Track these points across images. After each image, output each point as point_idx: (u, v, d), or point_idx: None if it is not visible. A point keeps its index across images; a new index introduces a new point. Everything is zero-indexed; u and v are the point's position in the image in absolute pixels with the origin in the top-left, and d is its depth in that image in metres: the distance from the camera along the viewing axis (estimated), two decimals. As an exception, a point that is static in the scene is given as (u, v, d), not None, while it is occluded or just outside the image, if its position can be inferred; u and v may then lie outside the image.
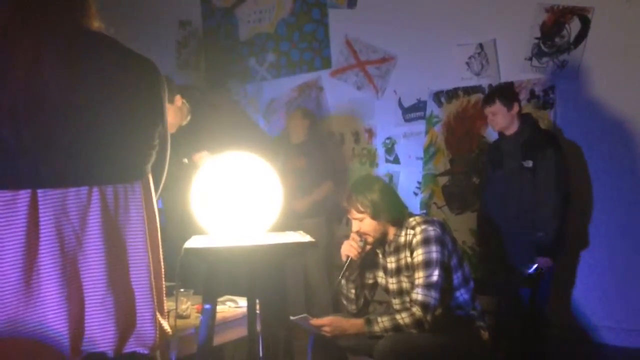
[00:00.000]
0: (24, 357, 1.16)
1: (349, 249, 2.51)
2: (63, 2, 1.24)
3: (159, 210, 1.38)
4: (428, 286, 2.35)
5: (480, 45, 3.75)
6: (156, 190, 1.38)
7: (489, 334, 2.50)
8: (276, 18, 4.62)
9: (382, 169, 4.16)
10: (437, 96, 3.94)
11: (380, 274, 2.63)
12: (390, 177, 4.10)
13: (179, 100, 3.00)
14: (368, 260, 2.63)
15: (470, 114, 3.80)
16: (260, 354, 1.82)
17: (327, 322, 2.44)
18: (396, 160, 4.14)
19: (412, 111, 4.06)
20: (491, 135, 3.69)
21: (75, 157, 1.19)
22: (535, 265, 3.10)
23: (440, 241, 2.40)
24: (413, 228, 2.46)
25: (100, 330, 1.19)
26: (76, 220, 1.18)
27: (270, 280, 1.74)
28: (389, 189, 2.66)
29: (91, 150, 1.20)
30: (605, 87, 3.39)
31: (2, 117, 1.15)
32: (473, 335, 2.47)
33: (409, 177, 4.05)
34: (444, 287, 2.39)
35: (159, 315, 1.29)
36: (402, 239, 2.49)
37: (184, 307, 2.45)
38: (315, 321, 2.46)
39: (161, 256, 1.35)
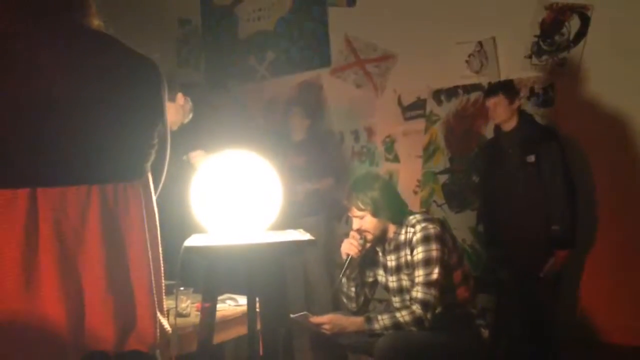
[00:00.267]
0: (24, 355, 1.16)
1: (349, 247, 2.52)
2: (63, 1, 1.24)
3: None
4: (428, 284, 2.36)
5: (480, 43, 3.75)
6: (156, 188, 1.38)
7: (488, 332, 2.51)
8: (276, 16, 4.61)
9: (382, 167, 4.16)
10: (436, 94, 3.94)
11: (381, 272, 2.63)
12: (390, 176, 4.10)
13: (180, 98, 3.00)
14: (368, 258, 2.64)
15: (469, 112, 3.80)
16: (260, 352, 1.82)
17: (327, 320, 2.45)
18: (396, 159, 4.14)
19: (412, 109, 4.06)
20: (491, 133, 3.68)
21: (75, 156, 1.19)
22: (551, 263, 3.10)
23: (440, 239, 2.41)
24: (413, 226, 2.46)
25: (100, 328, 1.19)
26: (76, 219, 1.18)
27: (270, 278, 1.74)
28: (389, 187, 2.66)
29: (91, 149, 1.20)
30: (605, 84, 3.39)
31: (2, 116, 1.15)
32: (473, 334, 2.47)
33: (408, 176, 4.05)
34: (444, 285, 2.40)
35: (159, 314, 1.29)
36: (402, 237, 2.49)
37: (183, 305, 2.45)
38: (315, 319, 2.46)
39: (161, 255, 1.35)
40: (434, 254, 2.38)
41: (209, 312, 1.77)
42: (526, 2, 3.60)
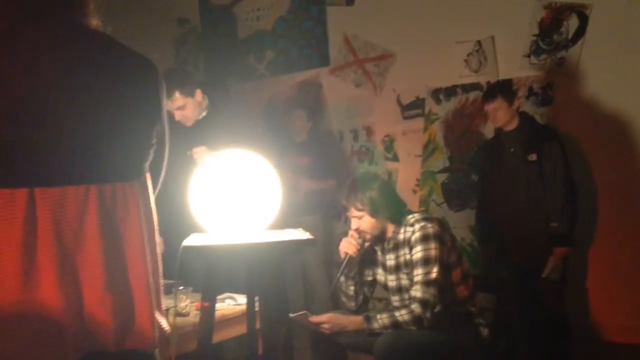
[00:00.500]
0: (24, 354, 1.16)
1: (348, 246, 2.52)
2: (62, 1, 1.24)
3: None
4: (427, 283, 2.36)
5: (479, 43, 3.75)
6: (154, 188, 1.38)
7: (488, 330, 2.51)
8: (274, 16, 4.61)
9: (381, 166, 4.16)
10: (435, 93, 3.94)
11: (380, 271, 2.63)
12: (389, 175, 4.10)
13: (199, 94, 3.02)
14: (367, 258, 2.64)
15: (468, 111, 3.81)
16: (260, 351, 1.82)
17: (326, 320, 2.45)
18: (395, 158, 4.14)
19: (411, 109, 4.06)
20: (490, 132, 3.69)
21: (74, 156, 1.19)
22: (551, 265, 3.10)
23: (439, 238, 2.41)
24: (412, 225, 2.47)
25: (98, 327, 1.19)
26: (74, 219, 1.18)
27: (269, 277, 1.74)
28: (388, 187, 2.66)
29: (89, 149, 1.20)
30: (604, 83, 3.39)
31: (0, 117, 1.15)
32: (472, 332, 2.48)
33: (407, 175, 4.05)
34: (443, 284, 2.40)
35: (157, 313, 1.30)
36: (401, 236, 2.50)
37: (183, 304, 2.46)
38: (315, 318, 2.47)
39: (158, 254, 1.35)
40: (433, 253, 2.38)
41: (208, 311, 1.77)
42: (525, 2, 3.60)
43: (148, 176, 1.35)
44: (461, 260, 2.55)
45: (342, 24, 4.29)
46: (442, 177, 3.91)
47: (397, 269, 2.53)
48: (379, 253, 2.62)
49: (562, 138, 3.21)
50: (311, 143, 4.04)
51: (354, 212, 2.52)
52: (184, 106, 3.00)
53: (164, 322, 1.34)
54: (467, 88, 3.81)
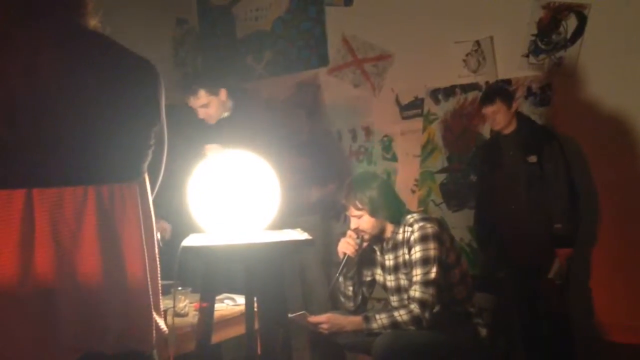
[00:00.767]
0: (21, 355, 1.16)
1: (346, 246, 2.52)
2: (60, 2, 1.24)
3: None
4: (426, 283, 2.36)
5: (477, 43, 3.76)
6: (152, 189, 1.38)
7: (486, 331, 2.51)
8: (273, 16, 4.61)
9: (380, 166, 4.16)
10: (434, 94, 3.94)
11: (378, 271, 2.63)
12: (388, 175, 4.10)
13: (223, 93, 3.07)
14: (366, 258, 2.64)
15: (467, 111, 3.81)
16: (259, 352, 1.82)
17: (325, 320, 2.45)
18: (393, 158, 4.14)
19: (410, 109, 4.06)
20: (488, 132, 3.69)
21: (72, 157, 1.19)
22: (557, 267, 3.10)
23: (437, 238, 2.41)
24: (411, 225, 2.47)
25: (96, 329, 1.19)
26: (72, 220, 1.18)
27: (268, 278, 1.74)
28: (387, 187, 2.66)
29: (87, 150, 1.20)
30: (602, 83, 3.40)
31: None
32: (471, 332, 2.48)
33: (406, 175, 4.05)
34: (442, 285, 2.40)
35: (155, 314, 1.29)
36: (400, 237, 2.50)
37: (181, 305, 2.46)
38: (313, 318, 2.47)
39: (157, 255, 1.34)
40: (432, 253, 2.38)
41: (207, 311, 1.77)
42: (523, 2, 3.61)
43: (146, 177, 1.34)
44: (460, 261, 2.55)
45: (340, 25, 4.30)
46: (440, 177, 3.91)
47: (396, 269, 2.53)
48: (378, 253, 2.62)
49: (560, 138, 3.21)
50: (310, 143, 4.04)
51: (353, 212, 2.52)
52: (208, 104, 3.06)
53: (161, 323, 1.34)
54: (465, 88, 3.81)
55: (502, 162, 3.27)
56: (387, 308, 2.57)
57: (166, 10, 4.94)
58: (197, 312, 2.17)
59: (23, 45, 1.18)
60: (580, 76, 3.46)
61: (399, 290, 2.54)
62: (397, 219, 2.53)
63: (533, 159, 3.15)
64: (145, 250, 1.27)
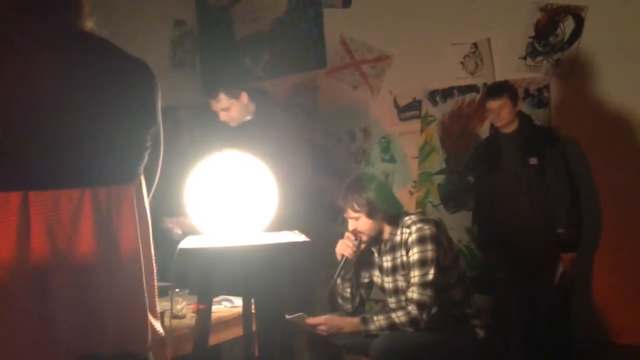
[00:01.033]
0: (17, 358, 1.15)
1: (344, 248, 2.52)
2: (55, 4, 1.24)
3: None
4: (423, 285, 2.36)
5: (475, 45, 3.76)
6: (148, 191, 1.38)
7: (484, 332, 2.51)
8: (271, 17, 4.61)
9: (378, 168, 4.16)
10: (432, 95, 3.94)
11: (376, 272, 2.63)
12: (386, 176, 4.10)
13: (244, 97, 3.08)
14: (364, 259, 2.64)
15: (465, 113, 3.81)
16: (256, 354, 1.82)
17: (323, 321, 2.45)
18: (392, 160, 4.15)
19: (407, 110, 4.07)
20: (486, 134, 3.69)
21: (68, 159, 1.19)
22: (561, 272, 3.07)
23: (435, 240, 2.41)
24: (409, 227, 2.47)
25: (92, 331, 1.19)
26: (68, 222, 1.18)
27: (266, 279, 1.74)
28: (384, 188, 2.67)
29: (84, 152, 1.20)
30: (600, 85, 3.40)
31: None
32: (468, 334, 2.48)
33: (404, 176, 4.06)
34: (440, 286, 2.40)
35: (150, 316, 1.29)
36: (397, 238, 2.50)
37: (179, 307, 2.45)
38: (311, 320, 2.47)
39: (153, 256, 1.34)
40: (430, 254, 2.39)
41: (204, 313, 1.77)
42: (521, 4, 3.61)
43: (143, 179, 1.35)
44: (457, 262, 2.55)
45: (338, 26, 4.30)
46: (438, 179, 3.92)
47: (393, 270, 2.53)
48: (376, 255, 2.62)
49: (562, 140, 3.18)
50: (310, 142, 4.04)
51: (350, 213, 2.52)
52: (229, 108, 3.06)
53: (158, 325, 1.34)
54: (463, 90, 3.82)
55: (502, 163, 3.23)
56: (385, 310, 2.57)
57: (164, 11, 4.94)
58: (194, 314, 2.17)
59: (20, 48, 1.18)
60: (578, 78, 3.46)
61: (396, 291, 2.54)
62: (395, 221, 2.53)
63: (534, 160, 3.11)
64: (142, 251, 1.27)
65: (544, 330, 3.15)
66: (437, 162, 3.92)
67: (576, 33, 3.47)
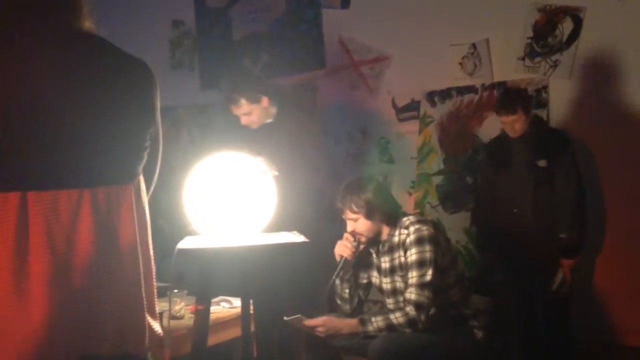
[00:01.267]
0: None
1: (343, 249, 2.52)
2: (55, 4, 1.24)
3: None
4: (422, 286, 2.36)
5: (474, 45, 3.76)
6: (147, 190, 1.38)
7: (482, 333, 2.52)
8: (270, 18, 4.61)
9: (376, 168, 4.16)
10: (430, 96, 3.95)
11: (374, 273, 2.63)
12: (384, 177, 4.10)
13: (265, 101, 3.12)
14: (362, 260, 2.64)
15: (463, 113, 3.81)
16: (254, 354, 1.82)
17: (321, 323, 2.45)
18: (390, 160, 4.15)
19: (406, 111, 4.07)
20: (485, 134, 3.69)
21: (67, 159, 1.19)
22: (561, 278, 3.02)
23: (433, 241, 2.41)
24: (407, 228, 2.47)
25: (91, 332, 1.19)
26: (67, 223, 1.18)
27: (264, 280, 1.74)
28: (383, 189, 2.67)
29: (83, 152, 1.20)
30: (598, 86, 3.40)
31: None
32: (466, 335, 2.48)
33: (402, 177, 4.06)
34: (438, 287, 2.40)
35: (149, 317, 1.29)
36: (396, 239, 2.50)
37: (177, 307, 2.45)
38: (309, 322, 2.46)
39: (152, 257, 1.34)
40: (428, 255, 2.39)
41: (203, 314, 1.77)
42: (519, 4, 3.61)
43: (141, 179, 1.34)
44: (455, 263, 2.55)
45: (337, 27, 4.30)
46: (437, 180, 3.92)
47: (392, 271, 2.53)
48: (374, 256, 2.62)
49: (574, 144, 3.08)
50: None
51: (349, 214, 2.52)
52: (250, 112, 3.09)
53: (156, 326, 1.34)
54: (462, 90, 3.82)
55: (509, 163, 3.14)
56: (383, 310, 2.57)
57: (163, 12, 4.94)
58: (193, 315, 2.17)
59: (20, 48, 1.18)
60: (576, 79, 3.47)
61: (394, 292, 2.54)
62: (393, 222, 2.53)
63: (543, 163, 3.01)
64: (140, 252, 1.27)
65: (543, 331, 3.13)
66: (436, 162, 3.92)
67: (575, 34, 3.47)
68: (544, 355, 3.13)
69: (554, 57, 3.53)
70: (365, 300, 2.73)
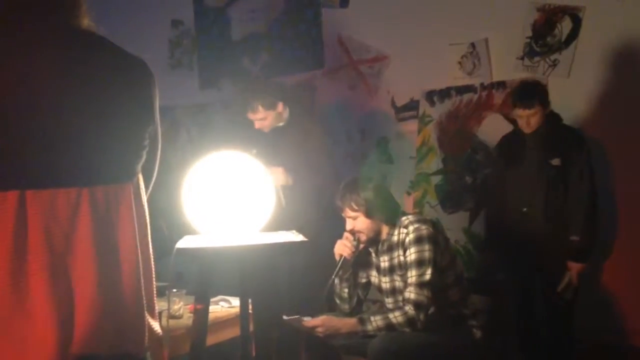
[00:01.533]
0: (14, 359, 1.15)
1: (343, 248, 2.52)
2: (54, 3, 1.24)
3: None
4: (421, 285, 2.36)
5: (473, 45, 3.76)
6: (146, 189, 1.38)
7: (481, 332, 2.52)
8: (269, 18, 4.61)
9: (375, 168, 4.16)
10: (429, 96, 3.95)
11: (374, 272, 2.63)
12: (384, 177, 4.10)
13: (280, 106, 3.23)
14: (361, 260, 2.64)
15: (462, 113, 3.82)
16: (253, 354, 1.82)
17: (320, 323, 2.45)
18: (389, 160, 4.15)
19: (405, 110, 4.07)
20: (484, 134, 3.69)
21: (65, 158, 1.19)
22: (567, 280, 2.92)
23: (432, 240, 2.41)
24: (406, 227, 2.47)
25: (90, 332, 1.19)
26: (66, 222, 1.17)
27: (263, 280, 1.74)
28: (382, 188, 2.67)
29: (81, 151, 1.20)
30: (597, 86, 3.41)
31: None
32: (465, 334, 2.48)
33: (401, 176, 4.06)
34: (437, 286, 2.40)
35: (148, 316, 1.29)
36: (395, 238, 2.50)
37: (176, 307, 2.45)
38: (308, 322, 2.47)
39: (151, 257, 1.34)
40: (427, 254, 2.39)
41: (201, 313, 1.77)
42: (518, 4, 3.62)
43: (140, 178, 1.34)
44: (454, 262, 2.56)
45: (336, 26, 4.30)
46: (436, 179, 3.92)
47: (391, 270, 2.53)
48: (373, 255, 2.62)
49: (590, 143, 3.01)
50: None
51: (348, 213, 2.52)
52: (265, 118, 3.19)
53: (156, 326, 1.34)
54: (461, 90, 3.82)
55: (521, 160, 3.04)
56: (382, 310, 2.57)
57: (161, 11, 4.94)
58: (191, 314, 2.16)
59: (18, 47, 1.17)
60: (575, 78, 3.47)
61: (394, 291, 2.54)
62: (393, 221, 2.53)
63: (557, 161, 2.92)
64: (140, 251, 1.27)
65: (544, 331, 3.10)
66: (435, 162, 3.92)
67: (574, 33, 3.47)
68: (543, 355, 3.12)
69: (552, 57, 3.53)
70: (364, 299, 2.73)
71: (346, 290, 2.62)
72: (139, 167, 1.32)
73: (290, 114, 3.31)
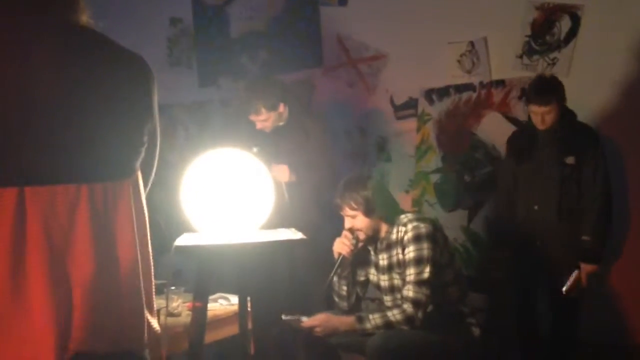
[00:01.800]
0: (11, 356, 1.15)
1: (341, 246, 2.52)
2: (55, 0, 1.23)
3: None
4: (419, 283, 2.36)
5: (472, 43, 3.76)
6: (145, 186, 1.37)
7: (479, 331, 2.52)
8: (268, 16, 4.60)
9: (374, 166, 4.16)
10: (428, 94, 3.95)
11: (372, 271, 2.63)
12: (382, 175, 4.10)
13: (282, 107, 3.25)
14: (360, 258, 2.64)
15: (461, 111, 3.82)
16: (252, 352, 1.82)
17: (318, 323, 2.45)
18: (388, 158, 4.15)
19: (404, 109, 4.07)
20: (483, 132, 3.70)
21: (65, 155, 1.18)
22: (574, 278, 2.85)
23: (431, 238, 2.41)
24: (405, 225, 2.47)
25: (88, 329, 1.18)
26: (64, 218, 1.17)
27: (262, 277, 1.74)
28: (381, 186, 2.67)
29: (80, 148, 1.19)
30: (596, 85, 3.41)
31: None
32: (464, 332, 2.49)
33: (400, 175, 4.06)
34: (436, 284, 2.41)
35: (147, 314, 1.29)
36: (393, 236, 2.50)
37: (175, 304, 2.45)
38: (306, 323, 2.47)
39: (150, 254, 1.34)
40: (426, 252, 2.39)
41: (200, 311, 1.77)
42: (517, 2, 3.62)
43: (139, 175, 1.34)
44: (453, 261, 2.56)
45: (335, 24, 4.29)
46: (435, 178, 3.92)
47: (389, 268, 2.53)
48: (372, 253, 2.62)
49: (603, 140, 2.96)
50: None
51: (347, 211, 2.52)
52: (267, 119, 3.23)
53: (154, 323, 1.34)
54: (460, 88, 3.82)
55: (534, 157, 2.98)
56: (381, 308, 2.57)
57: (160, 9, 4.93)
58: (190, 312, 2.16)
59: (17, 43, 1.17)
60: (574, 77, 3.47)
61: (392, 290, 2.54)
62: (391, 219, 2.53)
63: (571, 160, 2.85)
64: (138, 248, 1.27)
65: (546, 331, 3.08)
66: (434, 160, 3.92)
67: (573, 32, 3.47)
68: (542, 355, 3.11)
69: (552, 55, 3.53)
70: (363, 297, 2.73)
71: (345, 288, 2.62)
72: (138, 164, 1.32)
73: (289, 112, 3.32)
